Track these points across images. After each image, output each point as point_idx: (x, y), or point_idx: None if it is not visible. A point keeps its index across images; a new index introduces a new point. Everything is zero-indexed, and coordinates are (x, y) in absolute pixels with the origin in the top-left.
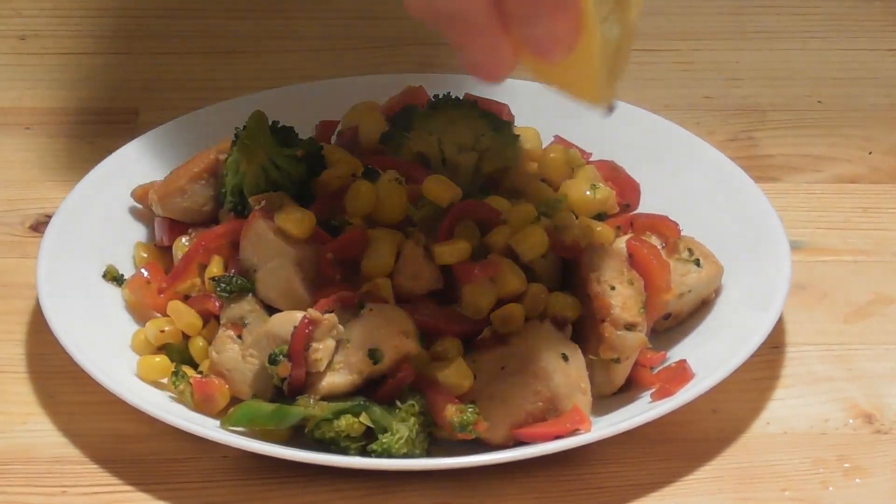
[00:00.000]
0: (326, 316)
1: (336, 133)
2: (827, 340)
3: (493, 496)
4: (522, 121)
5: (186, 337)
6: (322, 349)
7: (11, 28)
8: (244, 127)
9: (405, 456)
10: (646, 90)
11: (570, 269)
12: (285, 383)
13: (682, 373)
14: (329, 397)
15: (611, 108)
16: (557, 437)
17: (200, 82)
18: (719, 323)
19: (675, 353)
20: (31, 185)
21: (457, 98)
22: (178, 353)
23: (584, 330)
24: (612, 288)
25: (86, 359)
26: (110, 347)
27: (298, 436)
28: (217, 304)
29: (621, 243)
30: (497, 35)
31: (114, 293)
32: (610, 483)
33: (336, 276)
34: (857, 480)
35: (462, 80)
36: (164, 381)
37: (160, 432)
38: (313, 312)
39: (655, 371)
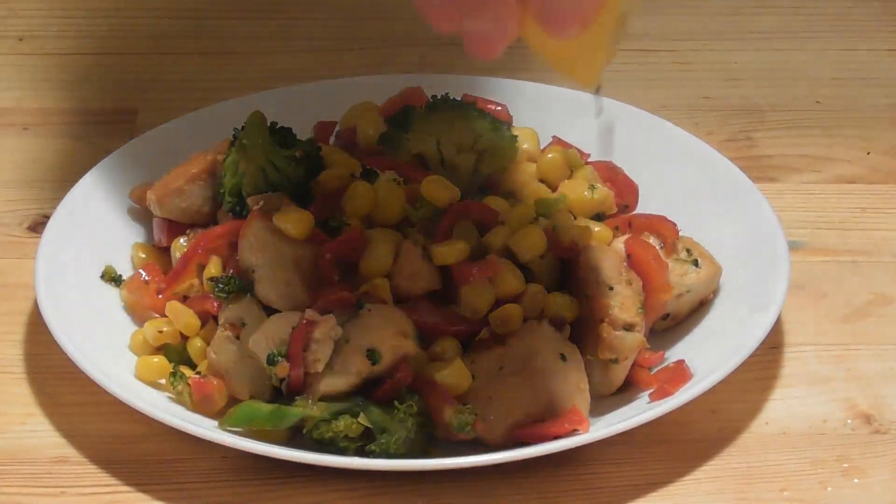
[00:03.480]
0: (325, 317)
1: (334, 134)
2: (825, 341)
3: (492, 496)
4: (521, 121)
5: (185, 337)
6: (320, 350)
7: (9, 29)
8: (243, 127)
9: (403, 456)
10: (644, 90)
11: (568, 269)
12: (284, 384)
13: (680, 373)
14: (327, 398)
15: (598, 89)
16: (556, 437)
17: (199, 83)
18: (718, 323)
19: (674, 354)
20: (30, 185)
21: (455, 98)
22: (177, 353)
23: (583, 330)
24: (611, 288)
25: (84, 359)
26: (109, 348)
27: (297, 436)
28: (215, 304)
29: (619, 244)
30: (510, 3)
31: (112, 294)
32: (608, 483)
33: (334, 277)
34: (856, 480)
35: (461, 81)
36: (163, 381)
37: (159, 433)
38: (312, 313)
39: (654, 371)
